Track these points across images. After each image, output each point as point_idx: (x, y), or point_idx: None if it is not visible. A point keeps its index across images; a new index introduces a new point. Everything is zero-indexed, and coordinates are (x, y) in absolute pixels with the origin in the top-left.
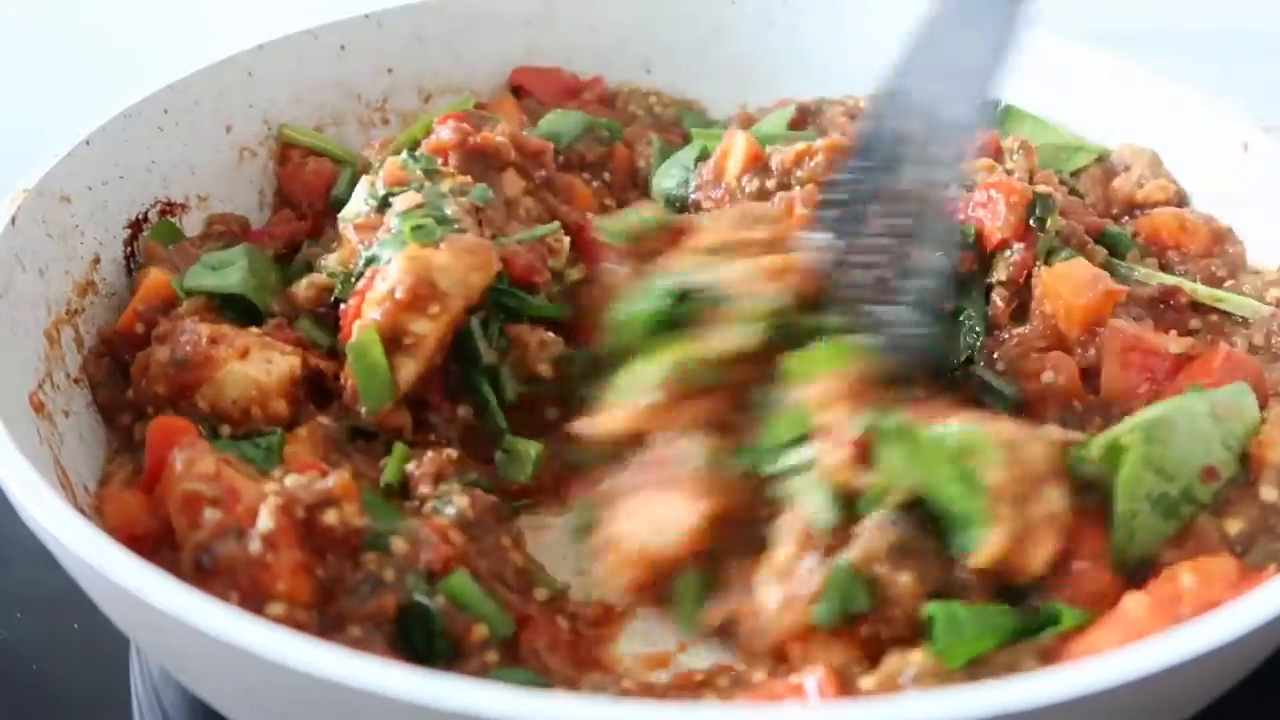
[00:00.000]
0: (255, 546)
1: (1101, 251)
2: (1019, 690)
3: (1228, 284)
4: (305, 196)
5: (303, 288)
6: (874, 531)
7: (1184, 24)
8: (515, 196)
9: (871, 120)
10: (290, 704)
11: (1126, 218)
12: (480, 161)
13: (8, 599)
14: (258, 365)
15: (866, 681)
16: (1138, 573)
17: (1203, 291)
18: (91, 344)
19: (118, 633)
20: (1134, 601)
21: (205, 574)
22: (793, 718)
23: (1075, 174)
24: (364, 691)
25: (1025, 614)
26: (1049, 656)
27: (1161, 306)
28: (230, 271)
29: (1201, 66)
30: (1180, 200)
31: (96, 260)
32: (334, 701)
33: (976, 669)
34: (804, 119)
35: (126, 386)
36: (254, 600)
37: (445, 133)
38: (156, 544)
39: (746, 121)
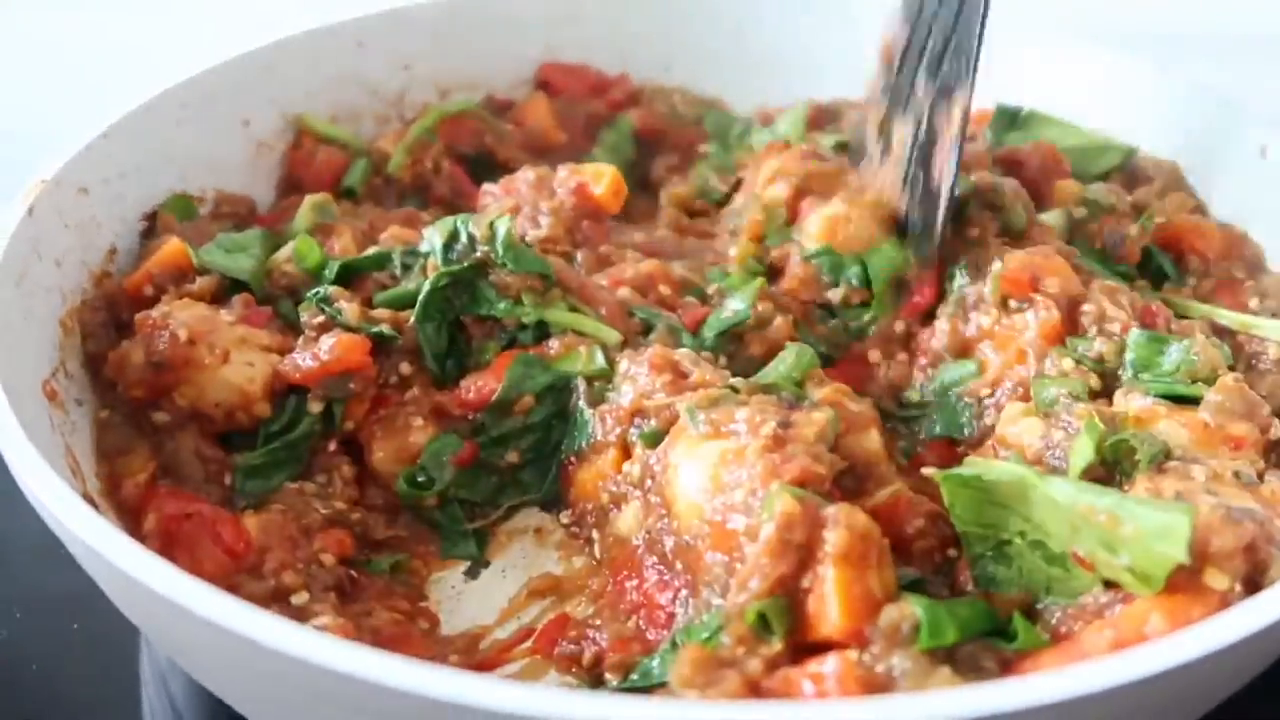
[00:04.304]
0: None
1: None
2: (1019, 691)
3: (1247, 284)
4: (314, 184)
5: (281, 262)
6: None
7: (1202, 28)
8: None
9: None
10: (294, 694)
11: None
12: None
13: (8, 599)
14: (240, 370)
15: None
16: None
17: (1235, 319)
18: (90, 299)
19: (118, 632)
20: (1093, 639)
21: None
22: (792, 717)
23: (1103, 176)
24: (367, 682)
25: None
26: (1008, 667)
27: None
28: (243, 257)
29: (1219, 70)
30: (1200, 213)
31: (113, 251)
32: (336, 691)
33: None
34: (821, 119)
35: (118, 341)
36: None
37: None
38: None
39: (766, 119)
